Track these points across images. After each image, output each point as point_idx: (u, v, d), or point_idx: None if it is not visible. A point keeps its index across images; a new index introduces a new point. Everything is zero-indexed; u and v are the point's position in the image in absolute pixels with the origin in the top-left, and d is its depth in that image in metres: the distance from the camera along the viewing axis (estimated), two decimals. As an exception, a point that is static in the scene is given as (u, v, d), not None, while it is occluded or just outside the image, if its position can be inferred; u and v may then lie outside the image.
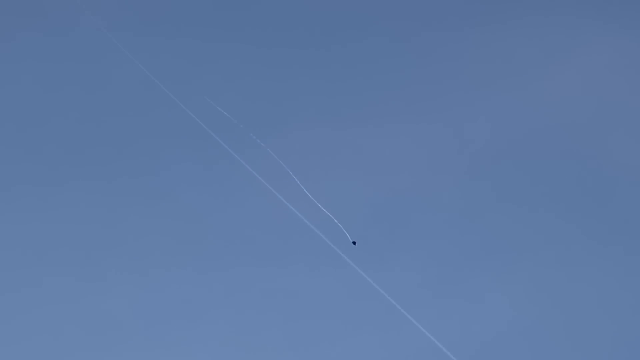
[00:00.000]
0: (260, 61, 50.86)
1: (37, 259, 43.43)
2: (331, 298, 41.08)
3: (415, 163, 46.71)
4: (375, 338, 39.72)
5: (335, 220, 39.40)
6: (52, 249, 43.84)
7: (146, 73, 46.43)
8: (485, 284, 41.91)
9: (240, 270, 42.79)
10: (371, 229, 43.12)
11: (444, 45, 50.54)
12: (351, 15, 52.11)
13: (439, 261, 42.84)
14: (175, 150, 47.54)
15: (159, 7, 52.73)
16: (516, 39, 50.45)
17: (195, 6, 52.95)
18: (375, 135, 47.76)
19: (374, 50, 50.66)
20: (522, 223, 43.78)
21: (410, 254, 43.04)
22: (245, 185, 44.30)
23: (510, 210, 44.28)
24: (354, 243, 38.83)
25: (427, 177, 45.97)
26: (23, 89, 50.10)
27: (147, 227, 44.73)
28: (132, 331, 41.11)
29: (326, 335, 40.39)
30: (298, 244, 42.29)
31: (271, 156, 42.20)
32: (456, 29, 50.84)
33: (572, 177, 45.50)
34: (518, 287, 41.67)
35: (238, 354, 40.28)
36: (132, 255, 43.58)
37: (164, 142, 47.97)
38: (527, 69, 49.12)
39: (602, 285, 41.25)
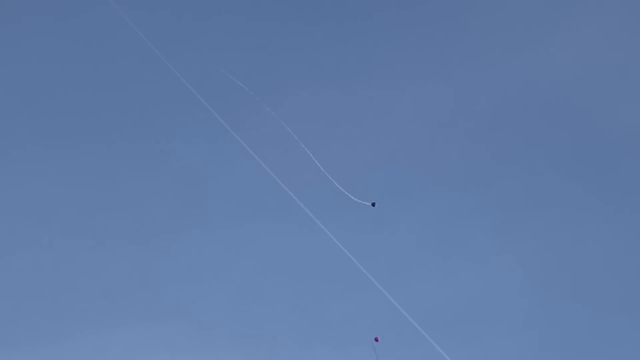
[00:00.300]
0: (264, 28, 50.92)
1: (42, 222, 44.05)
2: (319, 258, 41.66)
3: (417, 126, 47.08)
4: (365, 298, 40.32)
5: (341, 189, 39.51)
6: (56, 211, 44.53)
7: (149, 45, 46.62)
8: (488, 244, 42.56)
9: (240, 231, 43.44)
10: (374, 190, 43.26)
11: (446, 10, 50.61)
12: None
13: (441, 222, 43.44)
14: (176, 118, 47.88)
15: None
16: (516, 5, 50.45)
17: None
18: (376, 99, 48.02)
19: (377, 14, 50.70)
20: (524, 184, 44.31)
21: (413, 215, 43.54)
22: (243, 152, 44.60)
23: (513, 172, 44.75)
24: (373, 204, 38.90)
25: (429, 139, 46.33)
26: (32, 58, 50.34)
27: (148, 191, 45.37)
28: (135, 291, 41.90)
29: (324, 293, 41.12)
30: (290, 208, 42.62)
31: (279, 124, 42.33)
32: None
33: (572, 138, 45.85)
34: (520, 247, 42.39)
35: (240, 313, 41.04)
36: (134, 217, 44.32)
37: (166, 111, 48.32)
38: (528, 34, 49.26)
39: (604, 243, 41.93)
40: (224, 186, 45.19)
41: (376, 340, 34.01)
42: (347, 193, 38.81)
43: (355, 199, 38.58)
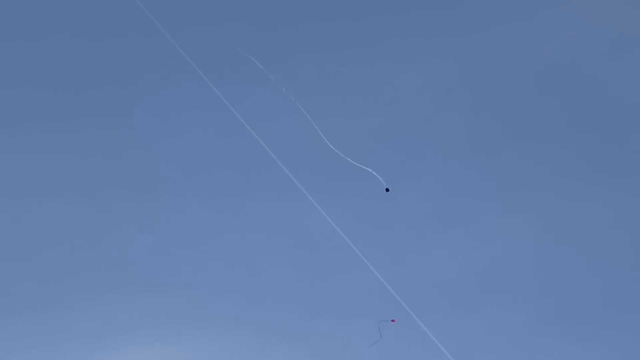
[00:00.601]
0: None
1: (47, 191, 44.05)
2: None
3: (422, 97, 46.87)
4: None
5: (356, 163, 39.29)
6: (61, 180, 44.50)
7: (151, 18, 46.43)
8: (496, 215, 42.28)
9: (246, 204, 43.35)
10: (378, 162, 42.77)
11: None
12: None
13: (447, 193, 43.18)
14: (182, 92, 47.58)
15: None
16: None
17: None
18: (380, 71, 47.68)
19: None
20: (532, 153, 43.92)
21: (417, 187, 43.38)
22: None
23: (519, 142, 44.36)
24: (387, 190, 38.75)
25: (434, 111, 46.18)
26: (37, 29, 50.07)
27: (153, 160, 45.36)
28: (139, 260, 41.91)
29: (328, 264, 41.10)
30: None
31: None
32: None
33: (580, 107, 45.71)
34: (529, 217, 42.05)
35: (245, 280, 41.03)
36: (138, 186, 44.31)
37: (171, 85, 47.94)
38: (533, 2, 48.94)
39: (615, 210, 41.59)
40: (231, 159, 45.10)
41: (393, 321, 33.83)
42: (362, 165, 38.66)
43: (369, 169, 38.47)
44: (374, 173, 38.52)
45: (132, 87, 48.09)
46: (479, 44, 48.05)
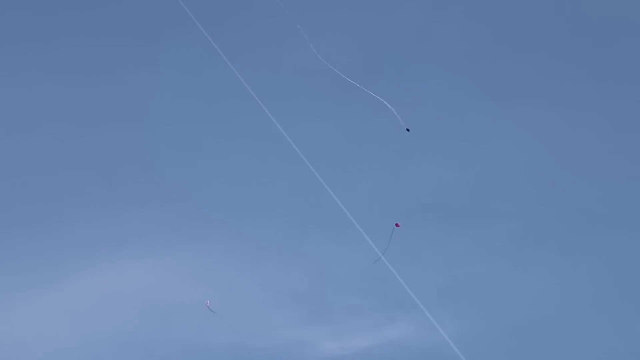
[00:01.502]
0: None
1: (45, 111, 44.32)
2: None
3: (414, 4, 46.08)
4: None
5: (376, 95, 38.54)
6: (59, 102, 44.57)
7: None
8: (487, 127, 42.04)
9: (235, 117, 43.30)
10: (371, 72, 42.61)
11: None
12: None
13: (440, 104, 42.79)
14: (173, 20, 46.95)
15: None
16: None
17: None
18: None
19: None
20: (525, 65, 43.46)
21: (409, 98, 42.76)
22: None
23: (514, 53, 43.88)
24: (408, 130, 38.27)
25: (426, 19, 45.47)
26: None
27: (147, 87, 45.15)
28: (133, 176, 42.03)
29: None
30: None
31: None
32: None
33: (573, 17, 44.83)
34: (521, 129, 41.84)
35: (236, 194, 41.02)
36: (129, 104, 44.28)
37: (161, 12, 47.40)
38: None
39: (605, 124, 41.29)
40: (221, 80, 44.77)
41: (397, 225, 33.58)
42: (380, 98, 37.87)
43: (376, 95, 37.64)
44: (376, 96, 37.84)
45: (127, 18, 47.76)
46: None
